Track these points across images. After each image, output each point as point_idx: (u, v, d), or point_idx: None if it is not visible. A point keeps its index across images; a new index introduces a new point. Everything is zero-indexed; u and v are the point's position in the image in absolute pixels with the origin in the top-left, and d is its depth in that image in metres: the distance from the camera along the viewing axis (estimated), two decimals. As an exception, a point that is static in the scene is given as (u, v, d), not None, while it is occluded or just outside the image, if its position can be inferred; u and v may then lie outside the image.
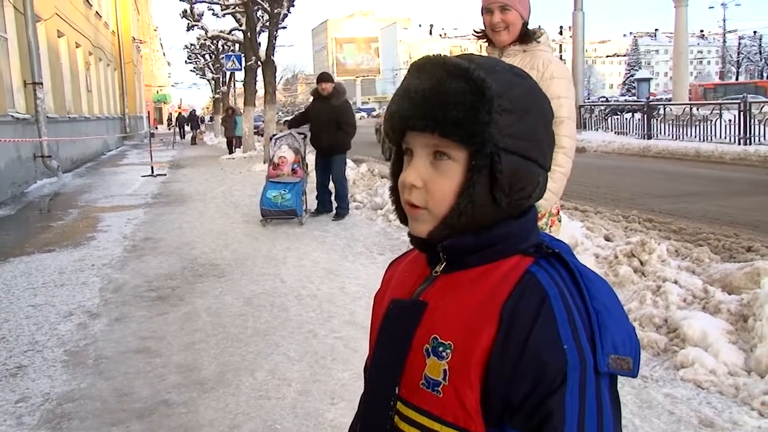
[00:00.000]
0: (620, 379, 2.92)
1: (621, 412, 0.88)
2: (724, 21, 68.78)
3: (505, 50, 2.91)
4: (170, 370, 3.70)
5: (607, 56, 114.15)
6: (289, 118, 11.14)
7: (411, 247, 1.04)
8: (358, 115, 35.86)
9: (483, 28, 2.95)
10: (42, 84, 14.06)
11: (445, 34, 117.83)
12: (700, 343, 3.50)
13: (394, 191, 0.98)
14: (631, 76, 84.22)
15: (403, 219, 0.98)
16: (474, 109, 0.86)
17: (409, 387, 0.93)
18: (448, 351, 0.88)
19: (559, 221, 3.05)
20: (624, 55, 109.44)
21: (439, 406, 0.89)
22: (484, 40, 3.00)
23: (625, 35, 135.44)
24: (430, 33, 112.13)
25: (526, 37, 2.89)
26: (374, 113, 72.49)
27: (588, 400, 0.82)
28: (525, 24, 2.90)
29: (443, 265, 0.95)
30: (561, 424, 0.81)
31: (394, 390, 0.94)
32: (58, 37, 19.15)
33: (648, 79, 40.12)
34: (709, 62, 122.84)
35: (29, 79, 13.76)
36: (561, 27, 63.86)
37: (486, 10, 2.87)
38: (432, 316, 0.93)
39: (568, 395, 0.81)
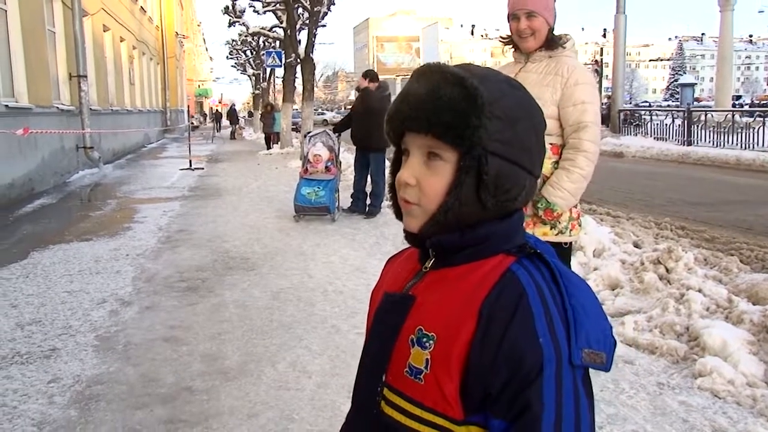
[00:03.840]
0: (635, 386, 2.94)
1: (594, 403, 0.93)
2: (774, 26, 67.01)
3: (531, 56, 2.95)
4: (195, 358, 3.81)
5: (651, 60, 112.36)
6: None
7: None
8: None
9: (510, 34, 2.99)
10: (86, 77, 14.44)
11: (487, 34, 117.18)
12: (720, 353, 3.49)
13: (393, 188, 1.05)
14: (675, 80, 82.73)
15: (399, 215, 1.05)
16: (465, 114, 0.93)
17: (395, 374, 1.00)
18: (431, 342, 0.95)
19: (580, 225, 3.07)
20: (668, 60, 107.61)
21: (420, 393, 0.95)
22: (511, 46, 3.05)
23: (669, 39, 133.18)
24: (472, 33, 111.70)
25: (552, 43, 2.93)
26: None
27: (565, 391, 0.87)
28: (551, 30, 2.93)
29: (432, 262, 1.02)
30: (539, 412, 0.86)
31: (381, 377, 1.02)
32: (104, 31, 19.61)
33: (692, 85, 39.29)
34: (757, 68, 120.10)
35: (74, 71, 14.15)
36: (604, 30, 63.04)
37: (512, 17, 2.92)
38: (419, 309, 0.99)
39: (545, 386, 0.87)
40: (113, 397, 3.30)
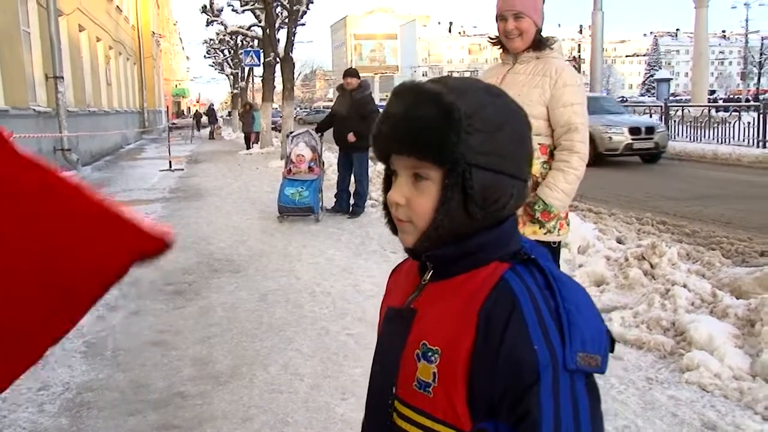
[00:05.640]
0: (624, 381, 2.97)
1: (600, 406, 0.93)
2: (747, 21, 67.83)
3: (519, 57, 2.98)
4: (186, 363, 3.79)
5: (627, 56, 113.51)
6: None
7: None
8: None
9: (498, 34, 3.02)
10: (63, 78, 14.27)
11: (464, 32, 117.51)
12: (706, 347, 3.55)
13: (386, 205, 1.06)
14: (651, 76, 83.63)
15: (395, 230, 1.06)
16: (443, 132, 0.93)
17: (405, 387, 1.01)
18: (436, 356, 0.97)
19: (567, 225, 3.10)
20: (644, 55, 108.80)
21: (430, 405, 0.97)
22: (499, 46, 3.07)
23: (645, 35, 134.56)
24: (449, 31, 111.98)
25: (540, 44, 2.95)
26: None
27: (562, 396, 0.88)
28: (538, 31, 2.96)
29: (430, 274, 1.04)
30: (538, 418, 0.87)
31: (391, 390, 1.04)
32: (80, 31, 19.40)
33: (668, 80, 39.74)
34: (730, 63, 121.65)
35: (50, 72, 13.97)
36: (581, 26, 63.60)
37: (500, 18, 2.94)
38: (420, 323, 1.01)
39: (542, 392, 0.88)
40: (105, 404, 3.28)
